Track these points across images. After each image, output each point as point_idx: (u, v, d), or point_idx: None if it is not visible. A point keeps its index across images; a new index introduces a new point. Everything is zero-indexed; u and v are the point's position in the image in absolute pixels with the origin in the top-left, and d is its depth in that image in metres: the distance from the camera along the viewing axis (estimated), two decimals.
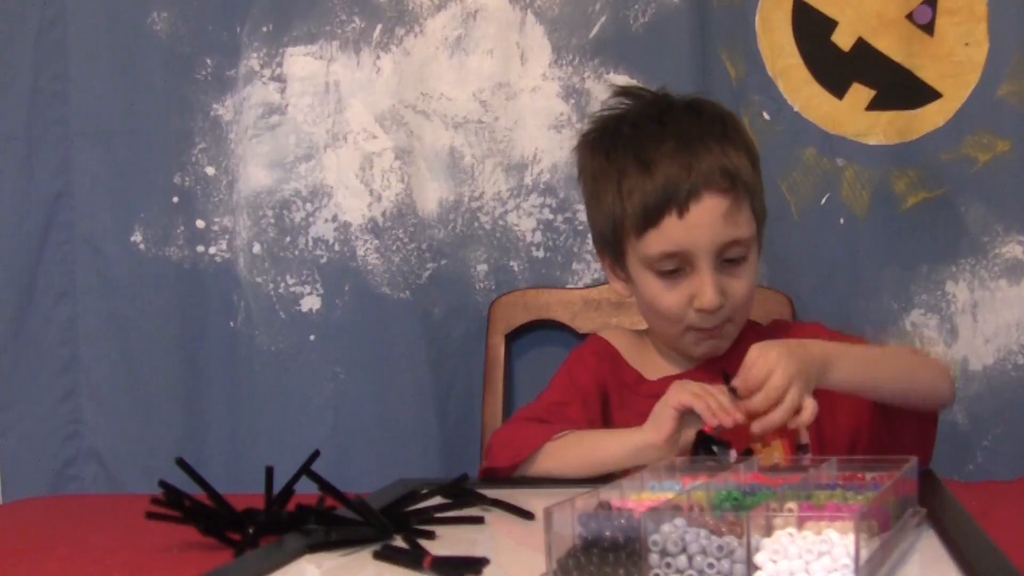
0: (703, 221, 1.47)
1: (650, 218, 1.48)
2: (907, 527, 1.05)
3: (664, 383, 1.43)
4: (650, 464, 1.17)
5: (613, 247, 1.56)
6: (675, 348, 1.57)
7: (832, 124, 1.85)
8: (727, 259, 1.49)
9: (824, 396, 1.39)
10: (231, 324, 1.90)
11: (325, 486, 1.15)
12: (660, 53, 1.84)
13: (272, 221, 1.88)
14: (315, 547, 1.10)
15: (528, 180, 1.88)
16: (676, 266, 1.49)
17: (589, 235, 1.86)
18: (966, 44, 1.82)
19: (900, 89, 1.83)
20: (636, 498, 1.03)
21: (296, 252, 1.88)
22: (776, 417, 1.31)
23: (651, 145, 1.51)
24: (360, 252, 1.88)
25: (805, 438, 1.42)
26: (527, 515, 1.22)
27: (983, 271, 1.83)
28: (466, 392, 1.89)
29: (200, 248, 1.90)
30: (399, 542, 1.11)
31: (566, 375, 1.62)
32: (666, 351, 1.60)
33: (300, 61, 1.88)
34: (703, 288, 1.47)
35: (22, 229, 1.90)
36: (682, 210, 1.47)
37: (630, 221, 1.50)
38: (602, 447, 1.42)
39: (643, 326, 1.66)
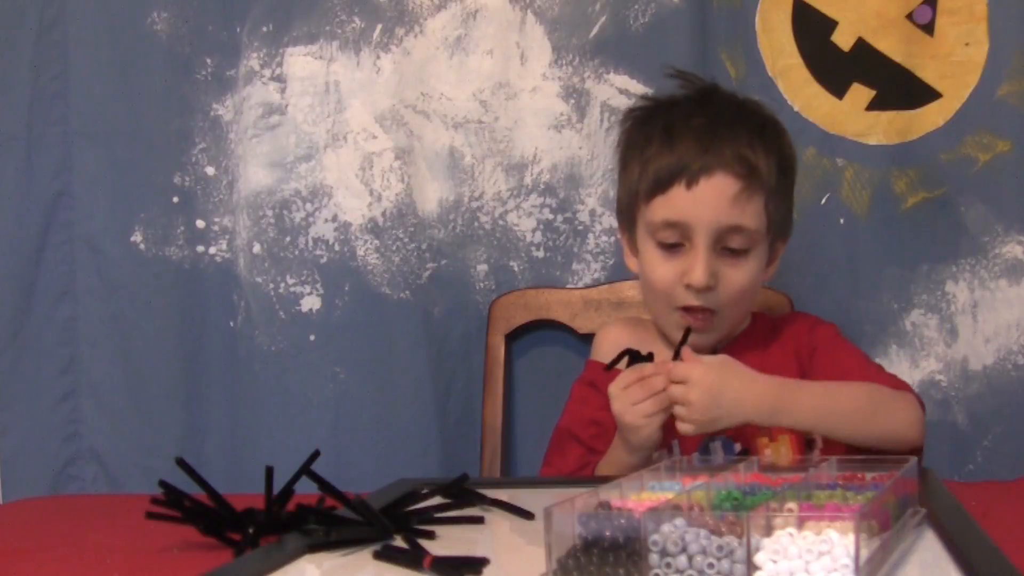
0: (709, 197, 1.48)
1: (660, 185, 1.50)
2: (907, 527, 1.05)
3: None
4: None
5: (628, 216, 1.58)
6: (662, 330, 1.57)
7: (832, 124, 1.85)
8: (729, 248, 1.49)
9: None
10: (231, 324, 1.90)
11: (325, 486, 1.15)
12: (660, 53, 1.84)
13: (272, 221, 1.88)
14: (315, 547, 1.10)
15: (528, 180, 1.88)
16: (677, 239, 1.50)
17: (589, 235, 1.87)
18: (966, 44, 1.82)
19: (900, 89, 1.83)
20: (636, 498, 1.03)
21: (296, 252, 1.88)
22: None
23: (681, 120, 1.53)
24: (360, 252, 1.88)
25: (815, 435, 1.42)
26: (527, 515, 1.22)
27: (983, 271, 1.83)
28: (466, 392, 1.89)
29: (200, 248, 1.90)
30: (399, 542, 1.11)
31: (580, 392, 1.63)
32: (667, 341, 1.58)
33: (300, 61, 1.88)
34: (694, 264, 1.48)
35: (22, 229, 1.90)
36: (691, 182, 1.48)
37: (643, 187, 1.52)
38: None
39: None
